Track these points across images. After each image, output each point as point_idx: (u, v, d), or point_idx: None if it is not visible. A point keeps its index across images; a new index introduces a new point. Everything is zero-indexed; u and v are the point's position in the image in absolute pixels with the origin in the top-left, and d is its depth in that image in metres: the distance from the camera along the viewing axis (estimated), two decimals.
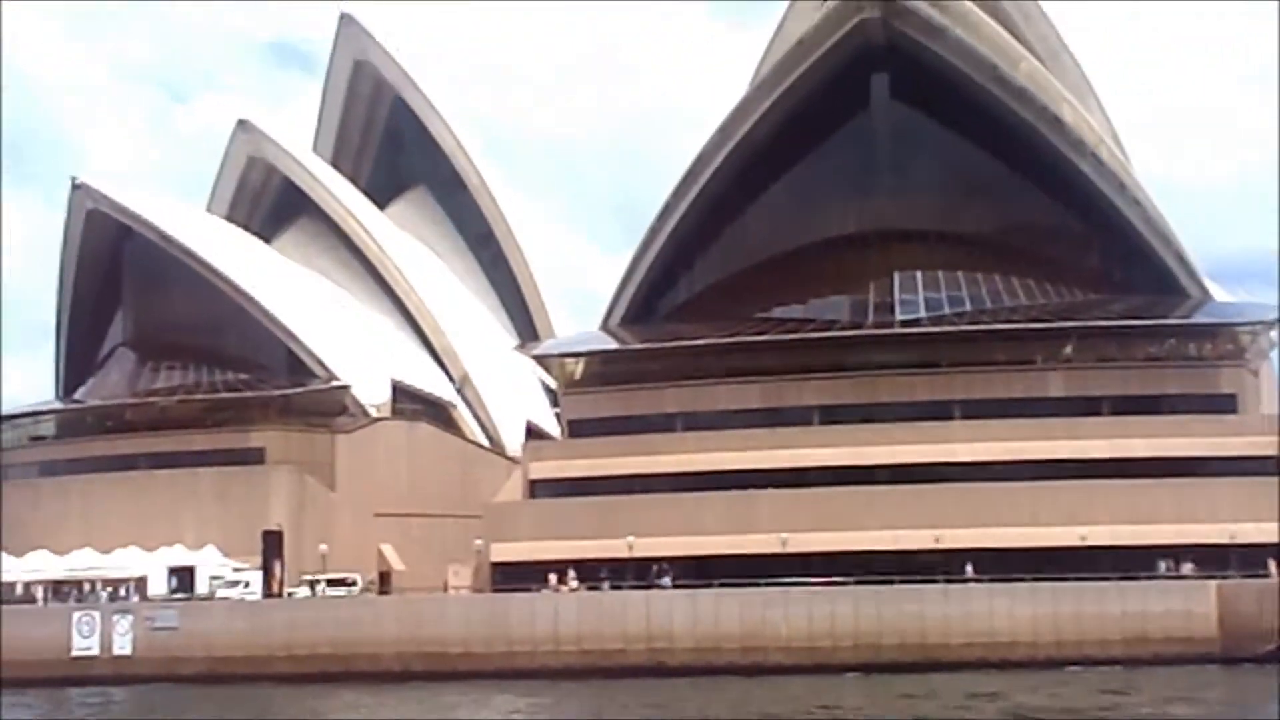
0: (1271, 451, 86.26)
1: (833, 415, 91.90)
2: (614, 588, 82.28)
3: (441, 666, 75.84)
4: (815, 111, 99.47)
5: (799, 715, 58.66)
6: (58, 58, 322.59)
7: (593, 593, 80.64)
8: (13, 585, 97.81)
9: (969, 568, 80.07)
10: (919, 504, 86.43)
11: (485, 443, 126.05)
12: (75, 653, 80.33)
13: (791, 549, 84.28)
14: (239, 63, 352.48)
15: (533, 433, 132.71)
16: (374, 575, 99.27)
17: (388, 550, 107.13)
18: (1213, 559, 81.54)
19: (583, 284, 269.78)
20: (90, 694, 74.81)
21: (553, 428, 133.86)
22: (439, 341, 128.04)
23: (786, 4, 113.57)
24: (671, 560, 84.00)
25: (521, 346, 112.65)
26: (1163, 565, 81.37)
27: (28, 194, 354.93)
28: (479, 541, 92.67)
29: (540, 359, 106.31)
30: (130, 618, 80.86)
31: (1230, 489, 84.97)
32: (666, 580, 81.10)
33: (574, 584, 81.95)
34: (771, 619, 75.93)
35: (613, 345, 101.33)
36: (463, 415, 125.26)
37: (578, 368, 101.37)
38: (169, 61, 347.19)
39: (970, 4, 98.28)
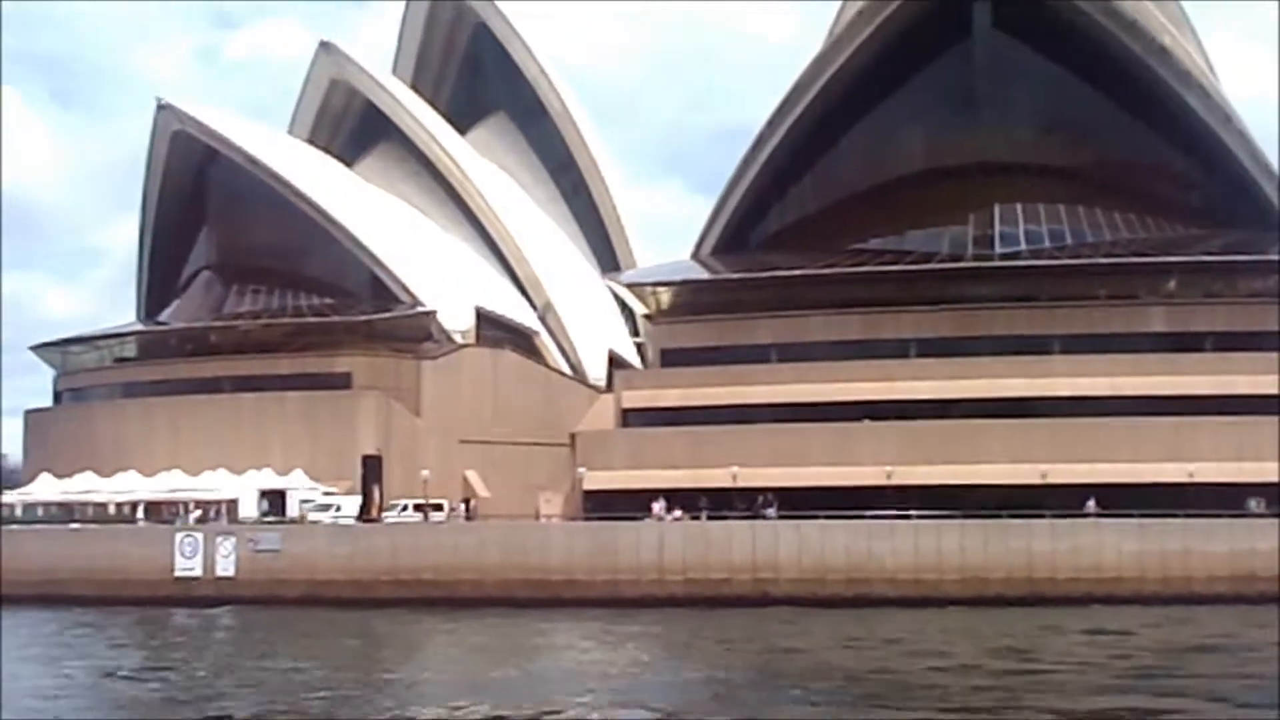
0: None
1: (930, 348, 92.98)
2: (712, 518, 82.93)
3: (544, 594, 76.91)
4: (915, 40, 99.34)
5: (910, 648, 59.05)
6: None
7: (698, 522, 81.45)
8: (104, 505, 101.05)
9: (1091, 503, 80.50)
10: (1019, 439, 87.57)
11: (568, 371, 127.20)
12: (178, 573, 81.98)
13: (893, 481, 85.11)
14: None
15: (614, 362, 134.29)
16: (460, 501, 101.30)
17: (473, 477, 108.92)
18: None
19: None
20: (193, 614, 77.18)
21: (633, 357, 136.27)
22: (522, 269, 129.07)
23: None
24: (769, 491, 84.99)
25: (613, 275, 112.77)
26: (1252, 504, 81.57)
27: (72, 116, 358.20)
28: (581, 470, 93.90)
29: (634, 287, 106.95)
30: (233, 540, 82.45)
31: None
32: (772, 511, 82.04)
33: (678, 513, 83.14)
34: (877, 551, 76.94)
35: (706, 275, 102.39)
36: (545, 343, 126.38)
37: (671, 297, 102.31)
38: None
39: None
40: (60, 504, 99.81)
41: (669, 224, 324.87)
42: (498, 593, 77.69)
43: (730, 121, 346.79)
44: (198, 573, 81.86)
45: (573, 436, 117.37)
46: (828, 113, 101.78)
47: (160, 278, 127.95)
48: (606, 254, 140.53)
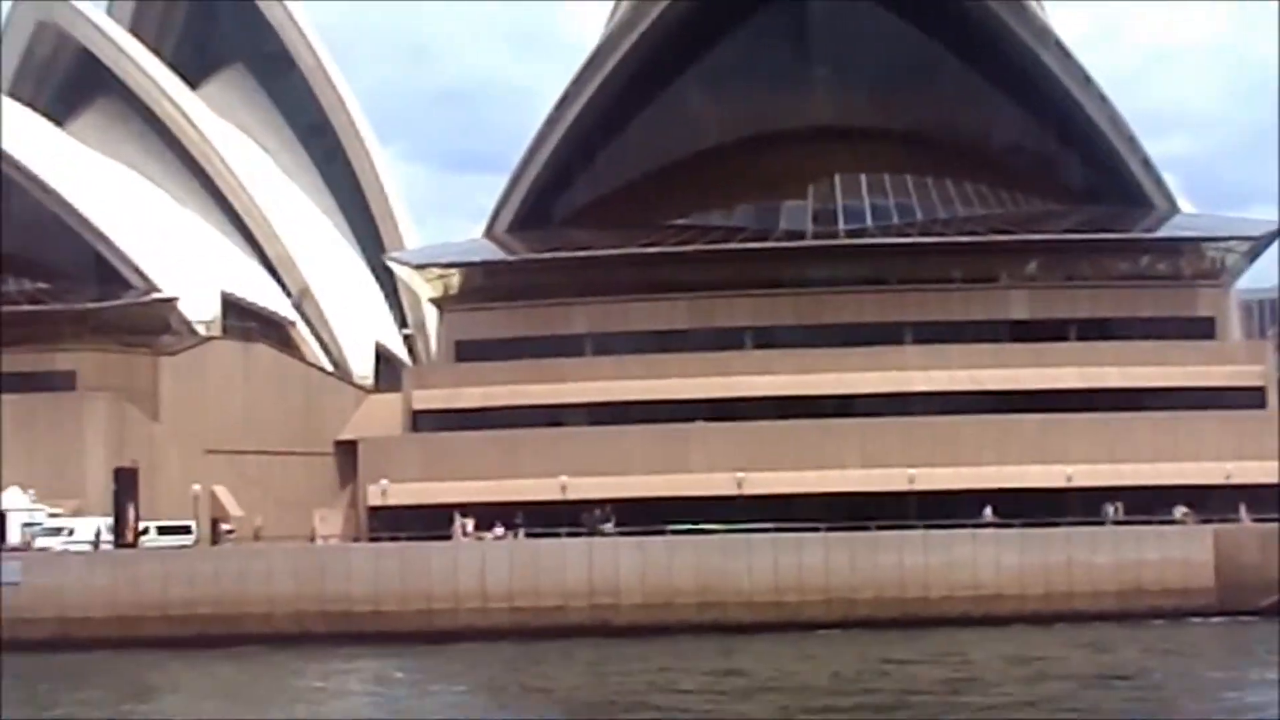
0: (1258, 382, 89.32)
1: (768, 338, 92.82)
2: (530, 535, 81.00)
3: (347, 627, 73.69)
4: None
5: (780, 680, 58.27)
6: None
7: (526, 541, 79.54)
8: None
9: (988, 510, 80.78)
10: (872, 440, 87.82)
11: (329, 367, 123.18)
12: None
13: (743, 490, 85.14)
14: None
15: (382, 357, 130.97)
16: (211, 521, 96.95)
17: (222, 492, 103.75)
18: (1188, 500, 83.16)
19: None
20: None
21: (402, 351, 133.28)
22: (272, 247, 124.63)
23: None
24: (604, 503, 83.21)
25: (395, 255, 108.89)
26: (1110, 510, 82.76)
27: None
28: (380, 484, 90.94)
29: (421, 269, 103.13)
30: None
31: (1213, 423, 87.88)
32: (609, 526, 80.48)
33: (499, 531, 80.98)
34: (732, 570, 75.89)
35: (507, 255, 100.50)
36: (303, 335, 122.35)
37: (467, 280, 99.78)
38: None
39: None
40: None
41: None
42: (291, 627, 74.23)
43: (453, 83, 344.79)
44: None
45: (339, 444, 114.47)
46: (642, 70, 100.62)
47: None
48: (368, 231, 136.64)
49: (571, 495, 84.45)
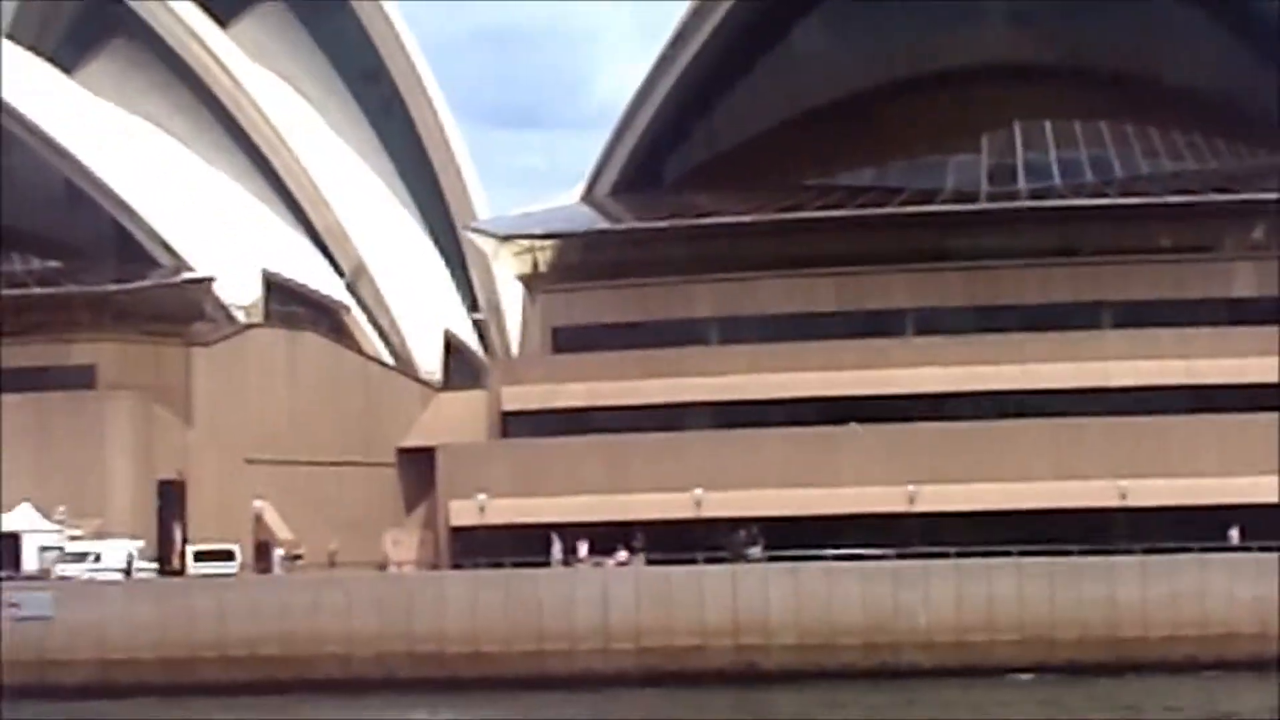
0: None
1: (934, 322, 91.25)
2: (654, 562, 79.77)
3: (439, 671, 72.87)
4: None
5: None
6: None
7: (656, 569, 77.93)
8: None
9: (1234, 533, 78.67)
10: (1066, 444, 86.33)
11: (390, 360, 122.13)
12: None
13: (906, 507, 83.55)
14: None
15: (451, 347, 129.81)
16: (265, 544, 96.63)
17: (268, 511, 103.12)
18: None
19: None
20: None
21: (475, 341, 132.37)
22: (322, 217, 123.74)
23: None
24: (751, 523, 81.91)
25: (475, 224, 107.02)
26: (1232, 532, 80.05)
27: None
28: (483, 497, 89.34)
29: (510, 240, 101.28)
30: None
31: None
32: (756, 550, 79.04)
33: (623, 555, 79.39)
34: (906, 603, 74.24)
35: (616, 224, 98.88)
36: (358, 321, 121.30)
37: (566, 254, 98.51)
38: None
39: None
40: None
41: None
42: (373, 671, 73.65)
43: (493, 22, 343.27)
44: None
45: (403, 452, 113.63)
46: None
47: None
48: (432, 198, 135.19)
49: (705, 513, 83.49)
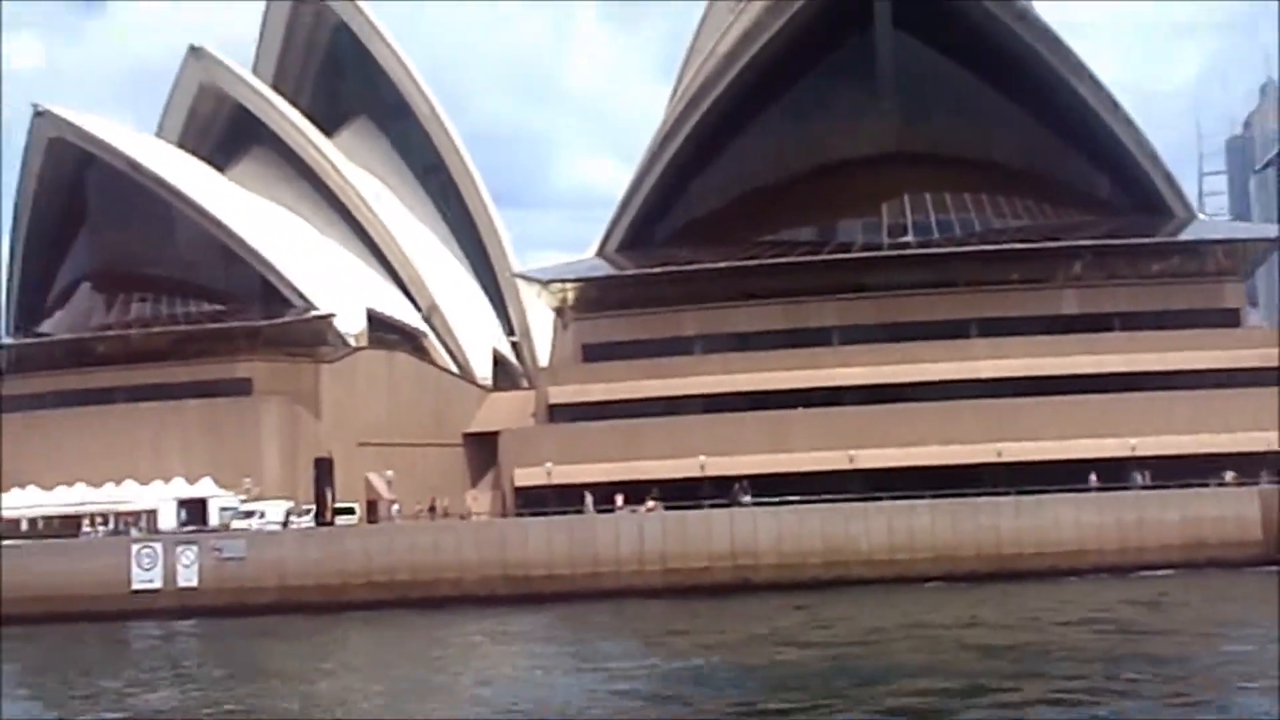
0: (1274, 363, 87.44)
1: (853, 336, 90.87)
2: (670, 508, 79.32)
3: (525, 589, 73.00)
4: (819, 38, 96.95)
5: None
6: None
7: (676, 512, 77.79)
8: (16, 521, 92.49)
9: (1093, 477, 78.87)
10: (947, 420, 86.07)
11: (455, 370, 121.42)
12: (136, 586, 75.00)
13: (848, 466, 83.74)
14: None
15: (497, 361, 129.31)
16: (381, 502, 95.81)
17: (375, 479, 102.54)
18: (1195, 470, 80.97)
19: None
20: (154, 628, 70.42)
21: (512, 356, 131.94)
22: (405, 270, 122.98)
23: None
24: (743, 479, 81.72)
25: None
26: (1138, 477, 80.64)
27: None
28: (550, 465, 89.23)
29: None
30: (195, 548, 75.85)
31: (1237, 400, 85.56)
32: (747, 498, 79.14)
33: (650, 505, 79.15)
34: (854, 534, 74.45)
35: (618, 271, 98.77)
36: (433, 344, 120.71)
37: (592, 292, 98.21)
38: None
39: None
40: None
41: None
42: (478, 590, 73.64)
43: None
44: (157, 585, 75.33)
45: (467, 435, 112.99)
46: (734, 108, 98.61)
47: (32, 289, 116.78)
48: (478, 256, 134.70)
49: (707, 473, 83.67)
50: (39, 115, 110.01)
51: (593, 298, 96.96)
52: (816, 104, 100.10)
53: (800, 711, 36.21)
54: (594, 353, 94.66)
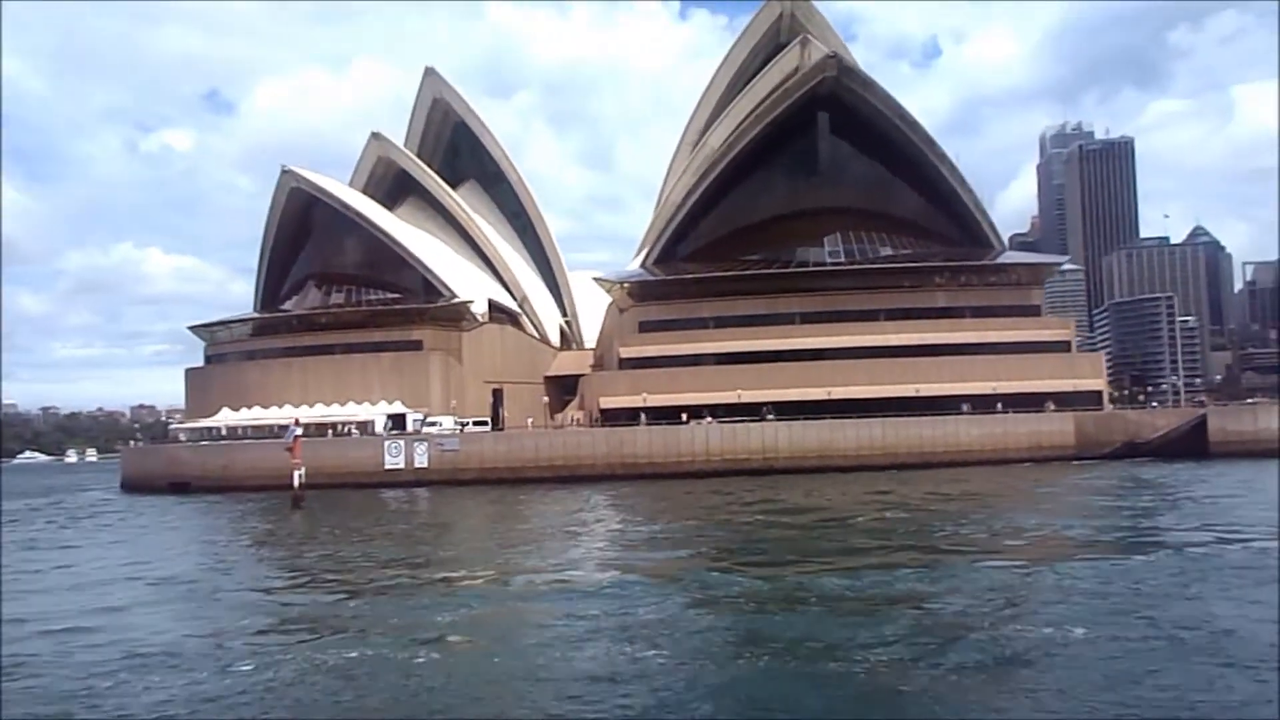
0: (1065, 337, 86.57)
1: (808, 318, 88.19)
2: (720, 422, 77.12)
3: (635, 471, 71.03)
4: (781, 137, 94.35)
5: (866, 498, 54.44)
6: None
7: (728, 423, 75.28)
8: (272, 427, 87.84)
9: (965, 407, 77.11)
10: (865, 371, 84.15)
11: (537, 337, 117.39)
12: (388, 466, 71.58)
13: (826, 397, 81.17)
14: None
15: (563, 334, 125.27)
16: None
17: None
18: (1029, 402, 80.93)
19: None
20: (399, 492, 67.09)
21: (564, 330, 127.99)
22: (506, 275, 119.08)
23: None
24: (718, 406, 79.99)
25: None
26: (965, 407, 79.81)
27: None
28: (646, 395, 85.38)
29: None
30: (426, 444, 72.22)
31: (1039, 360, 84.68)
32: (771, 416, 76.69)
33: (709, 419, 76.37)
34: (834, 439, 72.45)
35: (660, 276, 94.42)
36: (526, 321, 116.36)
37: (644, 289, 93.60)
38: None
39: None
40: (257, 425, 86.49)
41: None
42: (606, 472, 71.83)
43: None
44: (401, 465, 72.29)
45: (547, 378, 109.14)
46: (726, 179, 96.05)
47: (273, 282, 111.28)
48: (545, 267, 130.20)
49: (743, 400, 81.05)
50: (285, 172, 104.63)
51: (646, 292, 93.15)
52: (779, 176, 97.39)
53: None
54: (646, 326, 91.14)
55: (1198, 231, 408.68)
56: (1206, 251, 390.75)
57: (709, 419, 76.12)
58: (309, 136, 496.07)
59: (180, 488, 78.87)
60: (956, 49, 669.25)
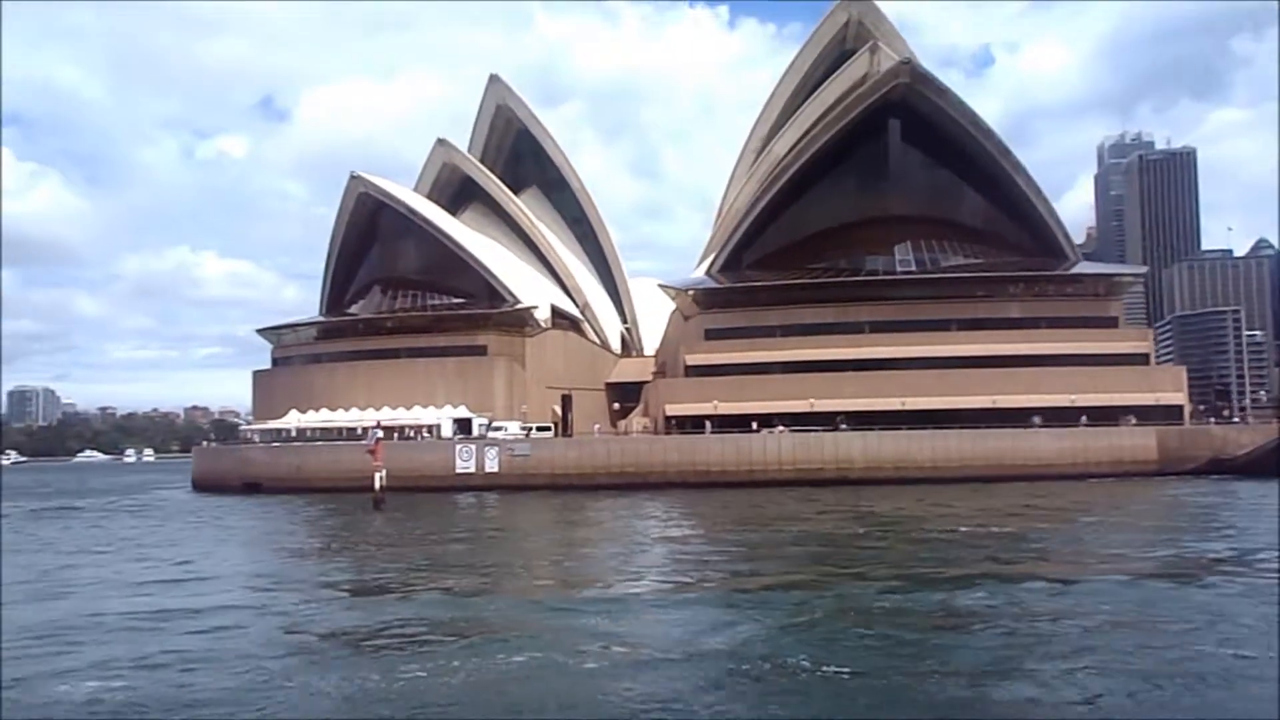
0: (1145, 350, 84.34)
1: (879, 327, 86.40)
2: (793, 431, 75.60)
3: (706, 479, 70.06)
4: (852, 141, 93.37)
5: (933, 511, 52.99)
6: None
7: (800, 433, 74.07)
8: (340, 429, 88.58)
9: (1037, 419, 75.39)
10: (934, 381, 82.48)
11: (599, 343, 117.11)
12: (459, 470, 71.62)
13: (907, 407, 79.97)
14: None
15: (624, 341, 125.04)
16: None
17: (558, 409, 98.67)
18: (1106, 415, 78.66)
19: None
20: (471, 496, 66.94)
21: (625, 337, 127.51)
22: (569, 282, 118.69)
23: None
24: (831, 414, 77.88)
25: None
26: (1036, 419, 77.51)
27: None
28: (716, 402, 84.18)
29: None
30: (497, 449, 71.90)
31: (1117, 373, 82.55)
32: (845, 426, 75.35)
33: (780, 428, 75.23)
34: (910, 450, 71.00)
35: (728, 284, 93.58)
36: (588, 327, 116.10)
37: (709, 296, 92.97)
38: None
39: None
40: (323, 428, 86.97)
41: None
42: (677, 479, 71.00)
43: None
44: (472, 469, 72.27)
45: (608, 385, 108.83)
46: (794, 186, 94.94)
47: (338, 286, 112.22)
48: (606, 274, 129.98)
49: (815, 410, 79.55)
50: (354, 178, 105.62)
51: (712, 300, 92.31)
52: (848, 183, 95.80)
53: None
54: (713, 334, 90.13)
55: (1262, 244, 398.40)
56: (1271, 264, 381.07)
57: (780, 428, 74.89)
58: (360, 144, 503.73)
59: (253, 487, 79.64)
60: (1010, 58, 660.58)
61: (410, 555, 35.07)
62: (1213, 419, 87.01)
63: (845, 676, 16.43)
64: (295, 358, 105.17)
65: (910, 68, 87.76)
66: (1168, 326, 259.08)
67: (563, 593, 26.16)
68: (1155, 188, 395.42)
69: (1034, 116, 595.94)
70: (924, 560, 30.61)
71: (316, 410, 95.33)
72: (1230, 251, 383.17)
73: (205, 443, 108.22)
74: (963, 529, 38.70)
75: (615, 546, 36.82)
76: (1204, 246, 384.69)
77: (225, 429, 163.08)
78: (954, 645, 18.81)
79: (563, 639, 19.46)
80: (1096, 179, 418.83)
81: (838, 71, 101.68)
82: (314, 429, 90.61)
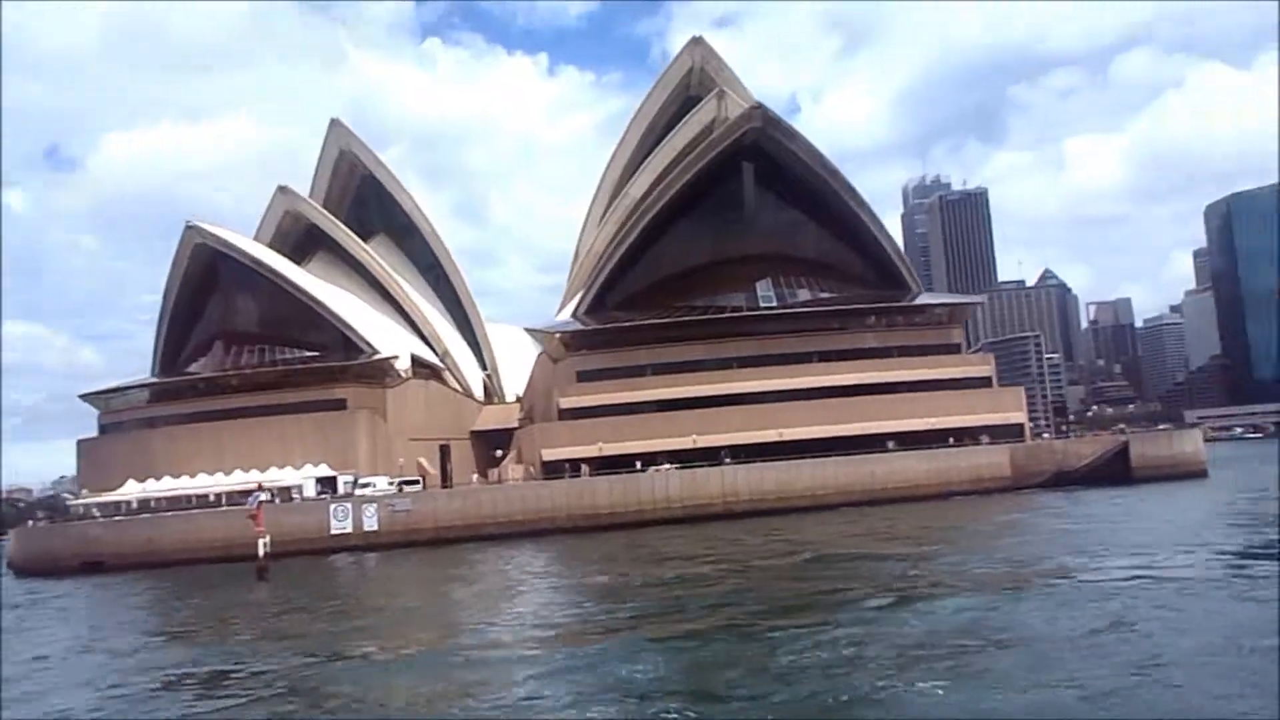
0: (987, 373, 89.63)
1: (745, 361, 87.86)
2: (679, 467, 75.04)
3: (595, 523, 68.53)
4: (708, 183, 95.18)
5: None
6: None
7: (689, 469, 73.80)
8: (189, 497, 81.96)
9: (891, 444, 78.00)
10: (802, 412, 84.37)
11: (461, 391, 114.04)
12: (334, 531, 67.16)
13: (777, 439, 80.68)
14: None
15: (486, 388, 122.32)
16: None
17: (424, 461, 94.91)
18: (959, 437, 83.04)
19: None
20: (349, 557, 63.08)
21: (486, 384, 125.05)
22: (426, 329, 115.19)
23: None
24: (666, 453, 78.55)
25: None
26: (890, 445, 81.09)
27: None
28: (601, 444, 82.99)
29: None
30: (375, 506, 67.96)
31: (964, 396, 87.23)
32: (729, 460, 75.48)
33: (668, 466, 74.78)
34: (792, 480, 72.22)
35: (596, 325, 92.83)
36: (448, 375, 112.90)
37: (579, 338, 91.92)
38: None
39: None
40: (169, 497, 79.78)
41: None
42: (566, 523, 69.40)
43: None
44: (348, 530, 67.56)
45: (473, 433, 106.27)
46: (654, 228, 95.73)
47: (173, 344, 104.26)
48: (463, 320, 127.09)
49: (699, 445, 79.60)
50: (190, 227, 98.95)
51: (582, 342, 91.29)
52: (705, 224, 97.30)
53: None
54: (585, 376, 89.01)
55: (1048, 275, 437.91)
56: (1057, 294, 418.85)
57: (667, 465, 74.71)
58: (163, 192, 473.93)
59: (93, 566, 72.02)
60: (815, 106, 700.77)
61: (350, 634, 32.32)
62: (1047, 434, 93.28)
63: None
64: (128, 423, 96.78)
65: (762, 112, 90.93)
66: (978, 352, 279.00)
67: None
68: (955, 225, 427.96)
69: (841, 160, 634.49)
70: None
71: (158, 478, 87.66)
72: (1023, 282, 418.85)
73: (31, 522, 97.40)
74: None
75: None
76: (1000, 278, 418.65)
77: (52, 504, 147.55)
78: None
79: None
80: (903, 218, 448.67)
81: (687, 117, 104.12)
82: (160, 498, 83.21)
